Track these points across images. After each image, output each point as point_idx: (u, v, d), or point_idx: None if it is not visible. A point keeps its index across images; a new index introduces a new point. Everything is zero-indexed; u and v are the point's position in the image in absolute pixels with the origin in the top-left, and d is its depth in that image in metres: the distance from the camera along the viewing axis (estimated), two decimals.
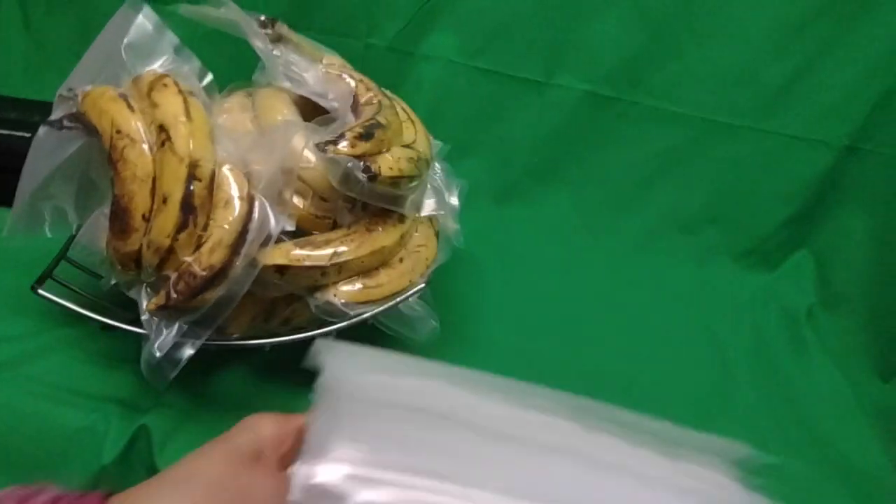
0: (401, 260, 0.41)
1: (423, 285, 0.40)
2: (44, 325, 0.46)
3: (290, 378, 0.45)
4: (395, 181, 0.37)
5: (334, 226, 0.40)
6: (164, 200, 0.32)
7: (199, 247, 0.33)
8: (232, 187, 0.34)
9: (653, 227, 0.70)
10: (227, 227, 0.33)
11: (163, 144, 0.32)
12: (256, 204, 0.34)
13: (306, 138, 0.36)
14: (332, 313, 0.37)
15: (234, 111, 0.41)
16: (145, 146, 0.33)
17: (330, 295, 0.37)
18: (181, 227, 0.32)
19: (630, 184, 0.70)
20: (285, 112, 0.40)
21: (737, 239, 0.69)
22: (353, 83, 0.44)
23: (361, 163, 0.35)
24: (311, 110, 0.43)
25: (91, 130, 0.36)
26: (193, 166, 0.32)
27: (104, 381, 0.42)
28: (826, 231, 0.66)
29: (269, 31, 0.43)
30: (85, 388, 0.42)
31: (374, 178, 0.36)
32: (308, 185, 0.38)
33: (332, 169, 0.35)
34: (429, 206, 0.42)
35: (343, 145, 0.35)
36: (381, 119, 0.39)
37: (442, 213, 0.43)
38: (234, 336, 0.39)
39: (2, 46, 0.79)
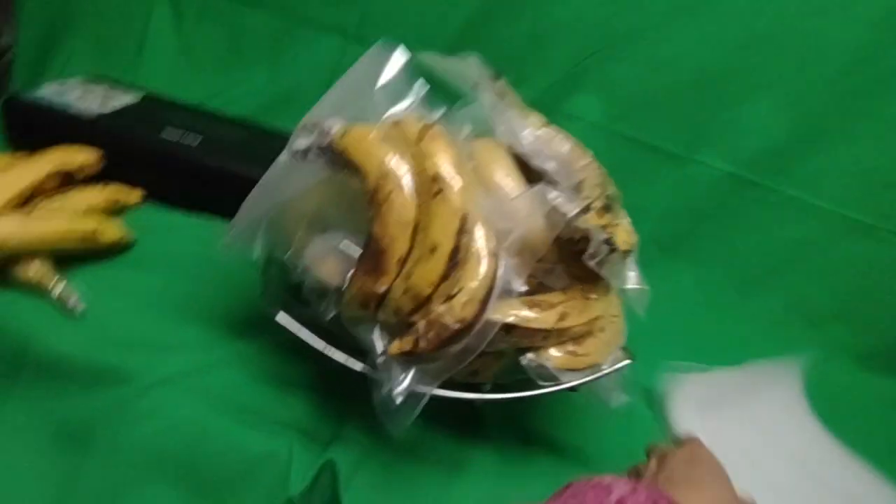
0: (602, 329, 0.41)
1: (628, 360, 0.39)
2: (216, 336, 0.46)
3: (455, 429, 0.44)
4: (627, 254, 0.37)
5: (539, 285, 0.40)
6: (433, 250, 0.32)
7: (449, 298, 0.33)
8: (486, 242, 0.34)
9: (777, 316, 0.69)
10: (479, 282, 0.33)
11: (436, 195, 0.33)
12: (501, 261, 0.34)
13: (557, 204, 0.36)
14: (543, 376, 0.37)
15: None
16: (410, 192, 0.33)
17: (543, 358, 0.37)
18: (444, 278, 0.32)
19: (758, 269, 0.70)
20: (507, 169, 0.41)
21: (864, 340, 0.68)
22: (567, 146, 0.44)
23: (604, 234, 0.35)
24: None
25: (342, 166, 0.36)
26: (464, 220, 0.32)
27: (282, 405, 0.42)
28: None
29: (494, 86, 0.44)
30: (264, 410, 0.41)
31: (613, 250, 0.36)
32: (527, 245, 0.38)
33: (594, 239, 0.35)
34: (632, 279, 0.42)
35: (591, 215, 0.35)
36: (612, 191, 0.39)
37: (644, 287, 0.42)
38: None
39: (151, 46, 0.81)
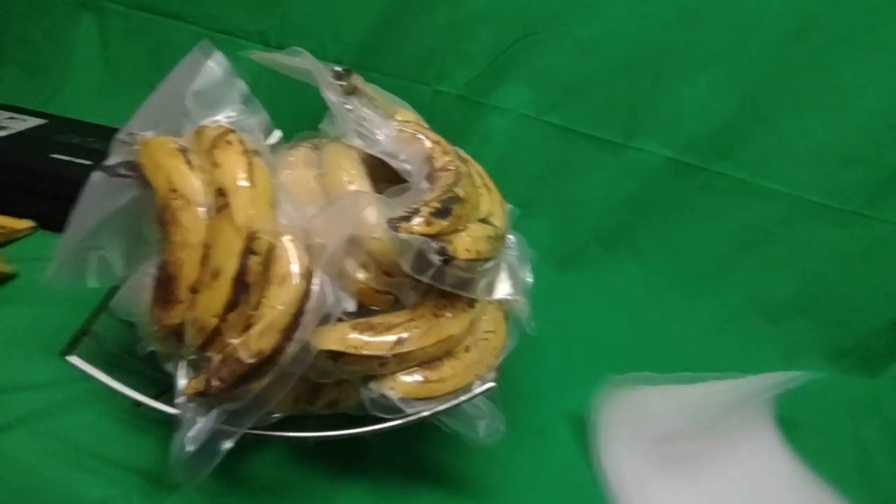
0: (467, 349, 0.36)
1: (492, 384, 0.35)
2: (77, 371, 0.43)
3: (330, 464, 0.40)
4: (472, 264, 0.33)
5: (395, 301, 0.36)
6: (215, 275, 0.28)
7: (248, 328, 0.29)
8: (291, 262, 0.30)
9: (732, 313, 0.63)
10: (281, 308, 0.29)
11: (220, 210, 0.29)
12: (316, 281, 0.30)
13: (377, 211, 0.31)
14: (387, 409, 0.33)
15: (298, 166, 0.38)
16: (201, 210, 0.29)
17: (386, 387, 0.33)
18: (231, 306, 0.28)
19: (709, 261, 0.64)
20: (353, 173, 0.37)
21: (832, 336, 0.61)
22: (428, 144, 0.40)
23: (435, 244, 0.31)
24: (379, 166, 0.40)
25: (146, 182, 0.33)
26: (251, 239, 0.28)
27: (131, 446, 0.38)
28: None
29: (343, 82, 0.40)
30: (109, 453, 0.38)
31: (448, 260, 0.31)
32: (372, 258, 0.34)
33: (403, 250, 0.30)
34: (503, 289, 0.38)
35: (417, 222, 0.31)
36: (459, 192, 0.34)
37: (517, 298, 0.38)
38: (276, 417, 0.34)
39: (78, 68, 0.80)
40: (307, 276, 0.30)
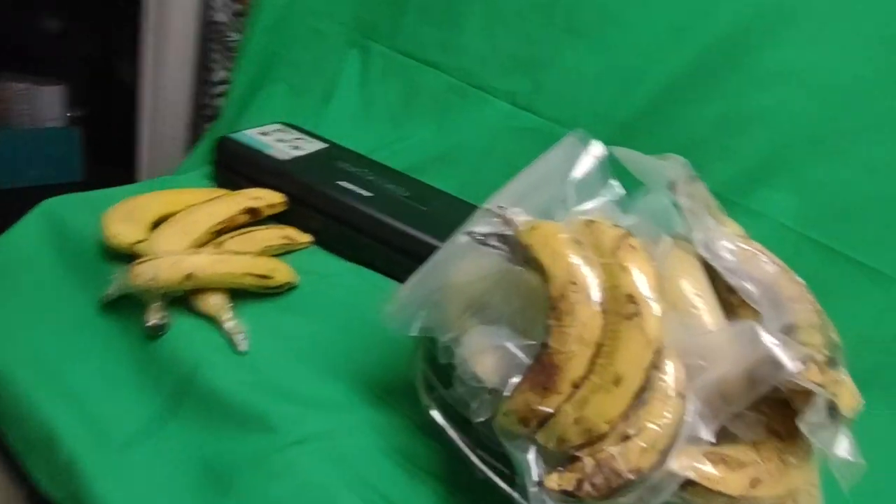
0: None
1: None
2: (356, 397, 0.46)
3: None
4: (848, 420, 0.30)
5: (721, 431, 0.34)
6: (616, 382, 0.28)
7: (625, 438, 0.29)
8: (671, 380, 0.29)
9: None
10: (662, 427, 0.28)
11: (629, 318, 0.29)
12: (689, 405, 0.30)
13: (774, 353, 0.30)
14: None
15: None
16: (598, 308, 0.30)
17: None
18: (624, 416, 0.28)
19: None
20: (699, 287, 0.36)
21: None
22: (771, 269, 0.38)
23: (826, 396, 0.29)
24: None
25: (523, 261, 0.34)
26: (657, 353, 0.28)
27: (408, 490, 0.40)
28: None
29: (690, 188, 0.39)
30: (384, 489, 0.39)
31: (835, 416, 0.29)
32: (722, 388, 0.32)
33: (817, 403, 0.29)
34: (844, 447, 0.34)
35: (813, 371, 0.29)
36: (835, 337, 0.32)
37: (857, 461, 0.34)
38: None
39: (340, 97, 0.89)
40: (684, 396, 0.29)
